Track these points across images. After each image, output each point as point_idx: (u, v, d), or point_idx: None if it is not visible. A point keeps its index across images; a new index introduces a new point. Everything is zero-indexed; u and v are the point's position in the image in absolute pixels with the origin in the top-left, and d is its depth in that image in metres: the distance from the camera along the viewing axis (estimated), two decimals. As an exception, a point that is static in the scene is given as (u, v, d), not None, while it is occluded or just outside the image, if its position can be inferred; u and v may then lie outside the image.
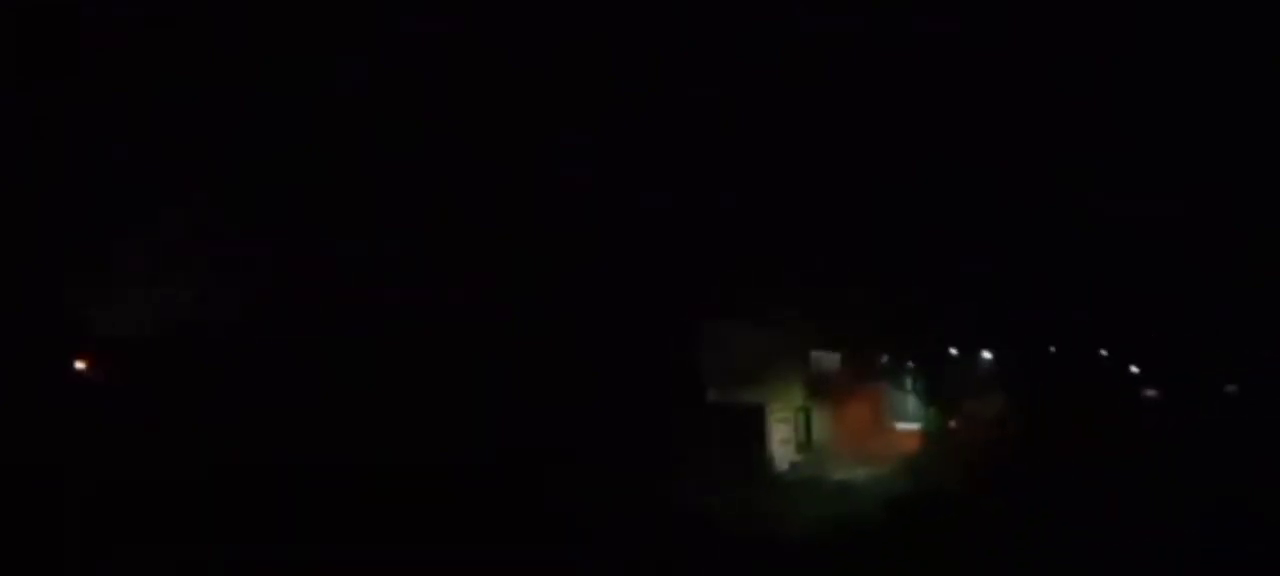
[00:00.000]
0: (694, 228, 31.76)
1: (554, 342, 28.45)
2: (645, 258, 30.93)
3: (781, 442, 31.86)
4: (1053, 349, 37.24)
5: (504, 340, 27.51)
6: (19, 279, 23.71)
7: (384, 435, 24.53)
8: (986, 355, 36.23)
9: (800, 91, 31.99)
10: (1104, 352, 37.75)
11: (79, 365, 24.33)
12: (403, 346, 26.54)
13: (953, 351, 36.30)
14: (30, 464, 20.71)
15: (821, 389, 33.36)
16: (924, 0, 31.43)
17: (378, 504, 21.56)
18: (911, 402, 35.18)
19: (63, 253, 24.39)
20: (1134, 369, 37.60)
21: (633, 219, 31.37)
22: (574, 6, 29.71)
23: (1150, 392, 37.42)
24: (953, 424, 34.32)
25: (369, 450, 23.84)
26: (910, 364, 35.61)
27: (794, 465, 31.68)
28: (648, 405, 28.57)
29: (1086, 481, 24.65)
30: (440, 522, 20.89)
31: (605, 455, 25.82)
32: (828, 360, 34.26)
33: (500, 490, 23.32)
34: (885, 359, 35.33)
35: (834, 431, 32.91)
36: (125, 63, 25.45)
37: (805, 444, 32.61)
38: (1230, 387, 35.68)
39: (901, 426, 34.50)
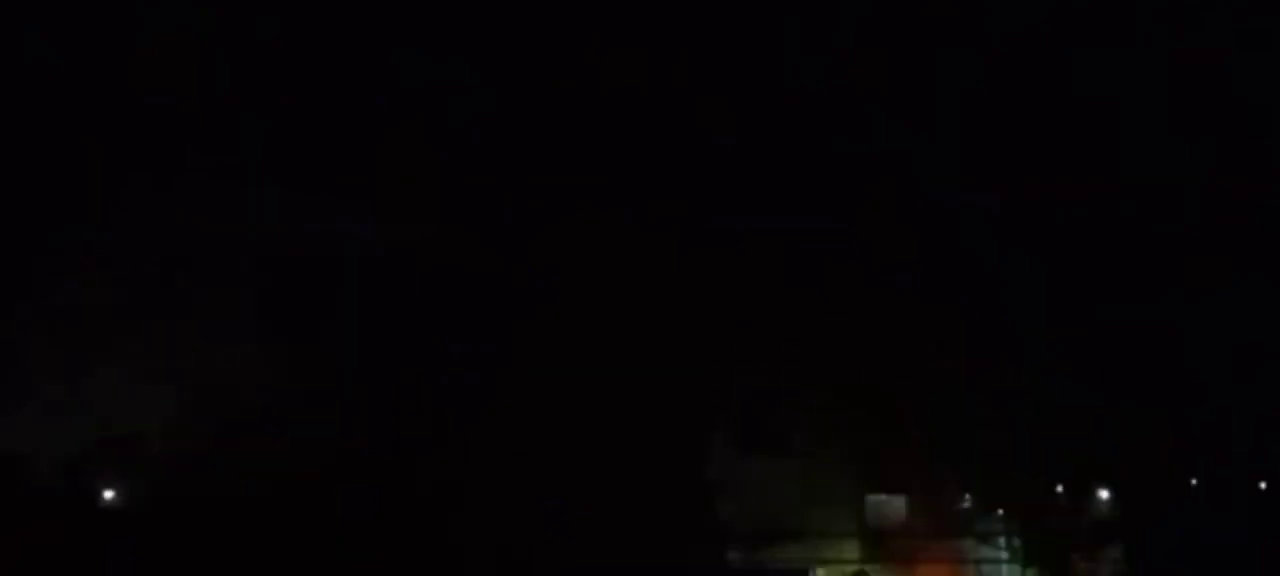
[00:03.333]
0: (713, 324, 29.35)
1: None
2: (649, 365, 28.25)
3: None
4: (1193, 481, 32.16)
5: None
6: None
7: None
8: (1104, 494, 31.74)
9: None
10: (1263, 485, 32.38)
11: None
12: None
13: (1058, 489, 31.87)
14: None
15: (883, 545, 30.23)
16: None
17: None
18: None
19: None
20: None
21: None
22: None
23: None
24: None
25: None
26: (1001, 510, 31.53)
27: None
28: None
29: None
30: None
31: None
32: (890, 506, 30.96)
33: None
34: (966, 503, 31.47)
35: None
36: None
37: (864, 623, 29.77)
38: None
39: (993, 597, 31.05)
